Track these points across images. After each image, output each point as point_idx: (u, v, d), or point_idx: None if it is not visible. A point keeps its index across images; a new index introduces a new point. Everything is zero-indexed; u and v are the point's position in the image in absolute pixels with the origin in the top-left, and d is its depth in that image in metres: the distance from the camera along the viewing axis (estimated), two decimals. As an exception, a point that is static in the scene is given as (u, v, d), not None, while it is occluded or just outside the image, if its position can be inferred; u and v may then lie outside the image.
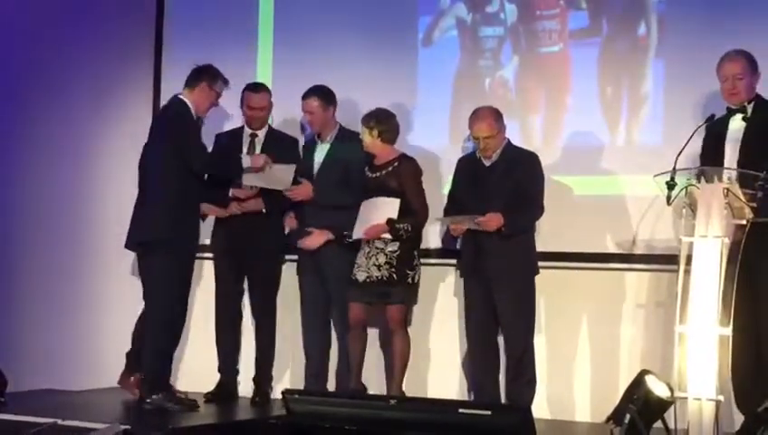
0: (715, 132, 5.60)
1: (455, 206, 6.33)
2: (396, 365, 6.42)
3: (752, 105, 5.57)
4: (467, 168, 6.38)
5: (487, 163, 6.27)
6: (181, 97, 6.44)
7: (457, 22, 6.97)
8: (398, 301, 6.37)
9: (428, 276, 6.74)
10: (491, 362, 6.27)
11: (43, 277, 7.73)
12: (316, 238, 6.62)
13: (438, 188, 6.78)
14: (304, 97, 6.70)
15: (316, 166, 6.73)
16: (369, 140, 6.48)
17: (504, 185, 6.16)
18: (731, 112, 5.59)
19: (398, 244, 6.34)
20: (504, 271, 6.10)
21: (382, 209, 6.36)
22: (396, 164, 6.45)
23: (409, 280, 6.37)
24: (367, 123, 6.48)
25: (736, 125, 5.55)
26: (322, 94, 6.69)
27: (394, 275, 6.33)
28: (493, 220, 6.05)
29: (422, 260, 6.57)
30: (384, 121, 6.47)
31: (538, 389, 6.23)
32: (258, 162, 6.50)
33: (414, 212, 6.39)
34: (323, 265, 6.65)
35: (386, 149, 6.50)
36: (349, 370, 6.51)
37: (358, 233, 6.43)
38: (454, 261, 6.68)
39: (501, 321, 6.17)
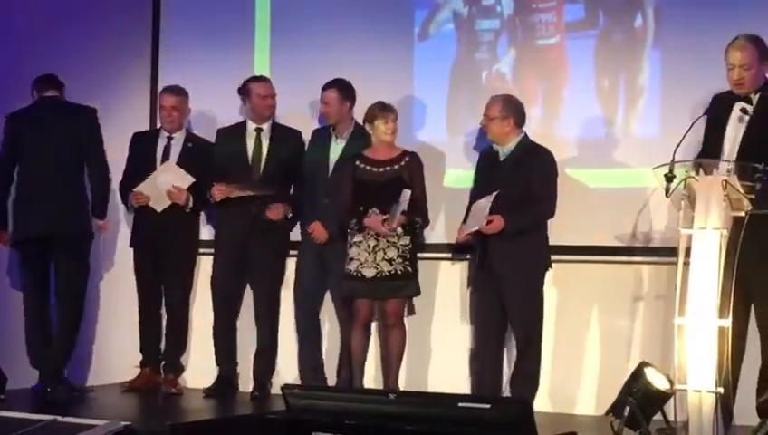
0: (716, 118, 5.53)
1: (473, 202, 6.30)
2: (395, 359, 6.42)
3: (757, 96, 5.49)
4: (484, 162, 6.38)
5: (501, 157, 6.24)
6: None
7: (454, 15, 6.96)
8: (413, 293, 6.39)
9: (430, 271, 6.75)
10: (493, 358, 6.26)
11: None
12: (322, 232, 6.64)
13: (437, 181, 6.79)
14: (324, 88, 6.71)
15: (331, 163, 6.71)
16: (393, 129, 6.43)
17: (513, 181, 6.12)
18: (734, 99, 5.51)
19: (409, 237, 6.33)
20: (509, 269, 6.08)
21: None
22: (407, 159, 6.44)
23: (417, 273, 6.39)
24: (392, 114, 6.43)
25: (738, 114, 5.47)
26: (341, 87, 6.68)
27: (409, 269, 6.33)
28: (493, 226, 6.04)
29: (428, 254, 6.67)
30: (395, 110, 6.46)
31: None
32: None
33: (421, 208, 6.41)
34: (330, 262, 6.65)
35: (393, 143, 6.49)
36: (349, 365, 6.53)
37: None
38: (449, 255, 6.73)
39: (509, 318, 6.17)
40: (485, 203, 6.10)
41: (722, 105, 5.55)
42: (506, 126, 6.20)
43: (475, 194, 6.31)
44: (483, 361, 6.31)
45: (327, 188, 6.66)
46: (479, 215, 6.11)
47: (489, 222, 6.04)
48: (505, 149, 6.23)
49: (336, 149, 6.74)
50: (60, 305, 6.93)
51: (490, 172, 6.26)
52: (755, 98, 5.50)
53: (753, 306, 5.48)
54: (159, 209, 6.91)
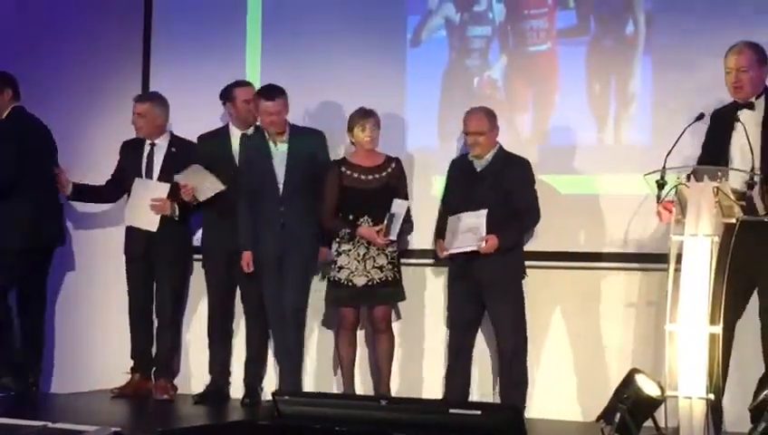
0: (720, 127, 5.51)
1: (448, 212, 6.29)
2: (385, 364, 6.43)
3: (761, 100, 5.46)
4: (459, 172, 6.36)
5: (478, 168, 6.25)
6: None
7: (446, 21, 6.95)
8: (401, 299, 6.42)
9: (420, 276, 6.74)
10: (462, 366, 6.26)
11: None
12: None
13: (428, 188, 6.79)
14: (271, 98, 6.51)
15: (278, 169, 6.57)
16: (371, 136, 6.42)
17: (494, 194, 6.14)
18: (737, 107, 5.48)
19: (396, 243, 6.35)
20: (497, 275, 6.09)
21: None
22: (393, 166, 6.46)
23: (402, 278, 6.42)
24: (369, 121, 6.41)
25: (746, 119, 5.40)
26: (284, 93, 6.55)
27: (397, 275, 6.36)
28: (490, 246, 6.04)
29: (416, 260, 6.69)
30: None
31: (530, 388, 6.24)
32: None
33: (409, 214, 6.43)
34: (286, 269, 6.55)
35: (374, 149, 6.50)
36: (343, 373, 6.53)
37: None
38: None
39: (494, 324, 6.19)
40: (477, 221, 6.09)
41: (725, 115, 5.51)
42: (493, 137, 6.25)
43: (453, 205, 6.28)
44: (455, 365, 6.28)
45: (282, 197, 6.53)
46: (469, 233, 6.10)
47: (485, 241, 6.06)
48: (483, 160, 6.25)
49: (279, 152, 6.60)
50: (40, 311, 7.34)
51: (468, 183, 6.26)
52: (758, 103, 5.47)
53: (759, 312, 5.46)
54: (155, 229, 6.89)
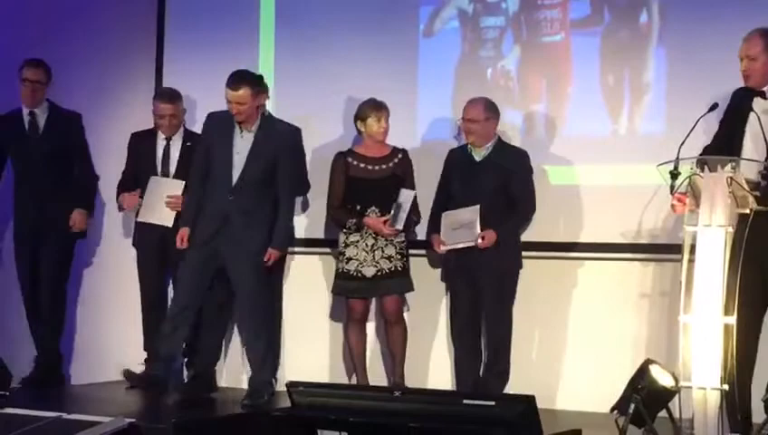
0: (734, 115, 5.48)
1: (447, 201, 6.34)
2: (399, 355, 6.45)
3: None
4: (458, 162, 6.38)
5: (477, 158, 6.28)
6: None
7: (459, 12, 6.95)
8: (409, 289, 6.42)
9: (428, 268, 6.74)
10: (476, 360, 6.32)
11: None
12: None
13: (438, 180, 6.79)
14: (234, 88, 6.21)
15: (236, 158, 6.30)
16: (385, 127, 6.42)
17: (494, 184, 6.20)
18: (753, 94, 5.43)
19: (404, 234, 6.35)
20: (494, 267, 6.15)
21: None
22: (400, 156, 6.46)
23: (410, 269, 6.43)
24: (384, 112, 6.42)
25: (759, 108, 5.36)
26: (252, 83, 6.26)
27: (405, 265, 6.38)
28: (488, 241, 6.10)
29: (422, 251, 6.69)
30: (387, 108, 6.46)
31: (543, 379, 6.28)
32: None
33: (416, 205, 6.42)
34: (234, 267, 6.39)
35: (384, 141, 6.50)
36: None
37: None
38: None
39: (486, 313, 6.24)
40: (471, 217, 6.14)
41: (741, 100, 5.49)
42: (490, 128, 6.27)
43: (452, 194, 6.33)
44: (466, 363, 6.32)
45: (234, 187, 6.28)
46: (465, 229, 6.14)
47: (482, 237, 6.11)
48: (483, 150, 6.26)
49: (243, 143, 6.33)
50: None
51: (468, 173, 6.28)
52: None
53: None
54: (170, 224, 6.86)
